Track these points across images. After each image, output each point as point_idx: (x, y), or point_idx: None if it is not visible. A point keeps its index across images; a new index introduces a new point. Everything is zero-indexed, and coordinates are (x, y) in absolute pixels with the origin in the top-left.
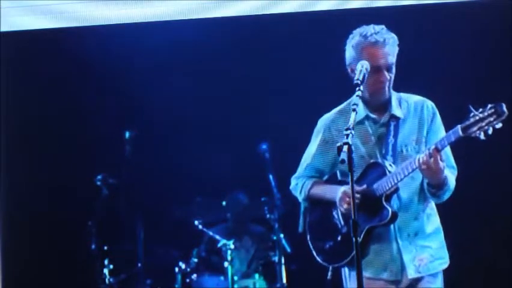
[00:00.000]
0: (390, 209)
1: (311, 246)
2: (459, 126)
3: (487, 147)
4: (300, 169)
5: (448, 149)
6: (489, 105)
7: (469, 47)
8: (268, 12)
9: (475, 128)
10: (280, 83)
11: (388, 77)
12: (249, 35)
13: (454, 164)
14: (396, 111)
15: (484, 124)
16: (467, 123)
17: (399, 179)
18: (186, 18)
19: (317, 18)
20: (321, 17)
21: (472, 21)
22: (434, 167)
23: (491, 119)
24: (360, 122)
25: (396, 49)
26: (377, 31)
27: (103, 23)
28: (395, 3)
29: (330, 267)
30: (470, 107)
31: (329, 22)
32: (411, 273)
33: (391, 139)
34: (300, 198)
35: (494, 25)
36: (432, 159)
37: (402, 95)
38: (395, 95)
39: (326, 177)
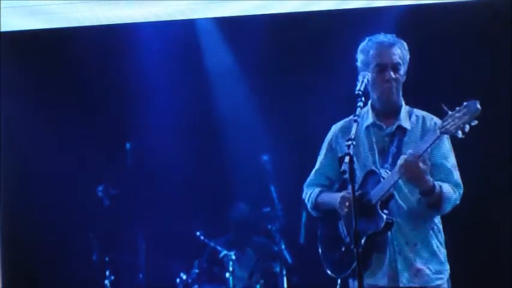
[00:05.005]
0: (384, 217)
1: (322, 260)
2: (437, 127)
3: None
4: (311, 175)
5: (454, 167)
6: (463, 104)
7: (468, 47)
8: (268, 12)
9: (452, 128)
10: (281, 93)
11: (394, 77)
12: (249, 37)
13: (459, 182)
14: (404, 122)
15: (460, 122)
16: (444, 123)
17: (389, 185)
18: (187, 18)
19: (317, 18)
20: (321, 17)
21: (472, 21)
22: (414, 169)
23: (466, 117)
24: (366, 128)
25: (405, 54)
26: (385, 36)
27: (103, 23)
28: (395, 3)
29: (339, 280)
30: (444, 106)
31: (328, 22)
32: (403, 282)
33: (393, 149)
34: (309, 206)
35: (494, 25)
36: (411, 162)
37: (416, 110)
38: (406, 108)
39: (336, 186)
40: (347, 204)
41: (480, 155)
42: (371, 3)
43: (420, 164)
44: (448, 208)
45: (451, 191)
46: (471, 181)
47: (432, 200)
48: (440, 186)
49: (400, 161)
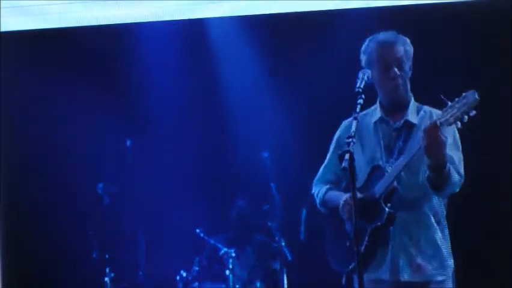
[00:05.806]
0: (386, 210)
1: (327, 255)
2: (436, 118)
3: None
4: (320, 170)
5: (458, 158)
6: (462, 94)
7: (468, 47)
8: (267, 12)
9: (451, 118)
10: (281, 91)
11: (399, 73)
12: (249, 36)
13: (462, 172)
14: (412, 117)
15: (459, 113)
16: (444, 114)
17: (393, 177)
18: (187, 18)
19: (317, 18)
20: (321, 17)
21: (472, 21)
22: (436, 136)
23: (465, 107)
24: (374, 124)
25: (408, 49)
26: (386, 34)
27: (102, 23)
28: (395, 3)
29: (345, 274)
30: (442, 97)
31: (328, 22)
32: (404, 276)
33: (400, 144)
34: (317, 203)
35: (494, 25)
36: (433, 129)
37: (425, 106)
38: (415, 104)
39: (344, 184)
40: (348, 209)
41: (480, 155)
42: (371, 3)
43: (440, 133)
44: (448, 191)
45: (456, 175)
46: (474, 177)
47: (438, 177)
48: (449, 167)
49: (423, 128)
